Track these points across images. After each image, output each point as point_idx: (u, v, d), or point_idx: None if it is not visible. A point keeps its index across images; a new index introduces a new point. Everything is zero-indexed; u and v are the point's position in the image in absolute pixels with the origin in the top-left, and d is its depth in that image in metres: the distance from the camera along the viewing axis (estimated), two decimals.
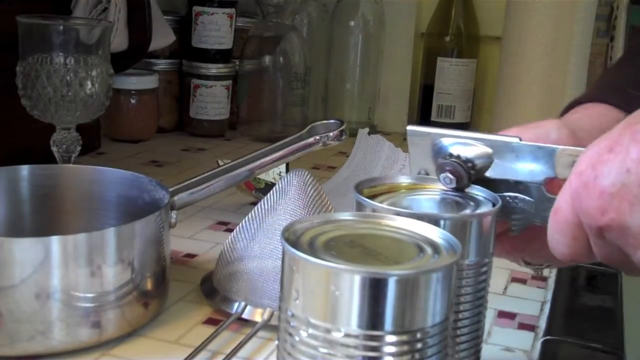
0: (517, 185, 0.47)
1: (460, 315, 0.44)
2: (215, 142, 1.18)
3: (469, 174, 0.46)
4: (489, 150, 0.47)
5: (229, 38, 1.20)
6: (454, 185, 0.46)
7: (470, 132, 0.48)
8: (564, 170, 0.45)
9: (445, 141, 0.48)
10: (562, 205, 0.42)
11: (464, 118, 1.30)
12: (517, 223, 0.48)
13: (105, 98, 0.76)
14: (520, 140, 0.46)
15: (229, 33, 1.20)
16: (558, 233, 0.43)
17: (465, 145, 0.47)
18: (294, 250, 0.35)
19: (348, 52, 1.30)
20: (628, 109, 0.45)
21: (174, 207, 0.60)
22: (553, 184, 0.46)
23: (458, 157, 0.47)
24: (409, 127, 0.50)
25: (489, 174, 0.47)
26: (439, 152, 0.48)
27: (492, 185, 0.47)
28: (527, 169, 0.46)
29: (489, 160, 0.47)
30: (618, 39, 1.26)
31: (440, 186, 0.47)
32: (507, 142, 0.47)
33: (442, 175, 0.46)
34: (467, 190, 0.47)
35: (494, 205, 0.44)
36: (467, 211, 0.44)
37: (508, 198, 0.47)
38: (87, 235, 0.50)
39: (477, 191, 0.46)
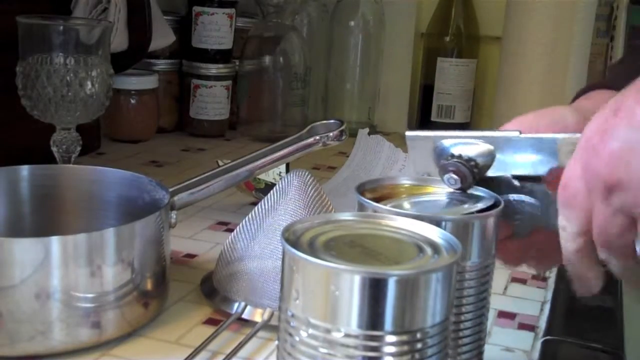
0: (522, 188, 0.47)
1: (463, 317, 0.44)
2: (215, 142, 1.18)
3: (472, 172, 0.46)
4: (491, 147, 0.47)
5: (229, 38, 1.20)
6: (458, 186, 0.46)
7: (470, 131, 0.48)
8: (567, 158, 0.44)
9: (445, 142, 0.48)
10: (571, 179, 0.42)
11: (464, 118, 1.30)
12: (522, 225, 0.48)
13: (105, 98, 0.76)
14: (520, 133, 0.46)
15: (229, 33, 1.20)
16: (567, 208, 0.42)
17: (466, 144, 0.47)
18: (294, 250, 0.35)
19: (348, 52, 1.30)
20: None
21: (174, 208, 0.60)
22: (557, 175, 0.45)
23: (460, 157, 0.47)
24: (408, 133, 0.50)
25: (492, 172, 0.47)
26: (440, 154, 0.48)
27: (498, 187, 0.47)
28: (530, 162, 0.46)
29: (491, 157, 0.47)
30: (618, 39, 1.26)
31: (442, 187, 0.47)
32: (507, 137, 0.46)
33: (445, 176, 0.46)
34: (469, 191, 0.47)
35: (496, 206, 0.44)
36: (470, 212, 0.44)
37: (513, 201, 0.47)
38: (87, 236, 0.50)
39: (479, 192, 0.46)
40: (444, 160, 0.47)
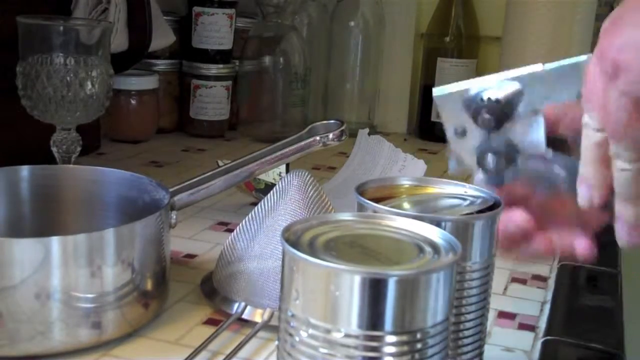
0: (554, 157, 0.48)
1: (463, 317, 0.44)
2: (215, 143, 1.18)
3: (504, 112, 0.47)
4: (518, 85, 0.47)
5: (229, 38, 1.20)
6: (492, 125, 0.47)
7: (494, 74, 0.48)
8: None
9: (472, 91, 0.48)
10: (590, 73, 0.42)
11: None
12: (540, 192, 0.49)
13: (105, 98, 0.76)
14: (544, 65, 0.47)
15: (229, 33, 1.20)
16: (589, 102, 0.43)
17: (492, 88, 0.48)
18: (294, 250, 0.35)
19: (348, 52, 1.30)
20: None
21: (174, 208, 0.60)
22: None
23: (489, 99, 0.47)
24: (436, 93, 0.50)
25: (525, 107, 0.48)
26: (470, 104, 0.49)
27: (527, 158, 0.48)
28: (561, 93, 0.47)
29: (519, 95, 0.48)
30: None
31: (442, 187, 0.48)
32: (532, 72, 0.47)
33: (479, 119, 0.48)
34: (469, 191, 0.47)
35: (496, 206, 0.44)
36: (470, 212, 0.44)
37: (538, 172, 0.48)
38: (87, 236, 0.50)
39: (479, 192, 0.46)
40: (475, 105, 0.48)
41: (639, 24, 0.39)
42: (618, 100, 0.40)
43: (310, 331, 0.34)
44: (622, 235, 0.44)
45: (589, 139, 0.43)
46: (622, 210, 0.43)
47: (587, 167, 0.44)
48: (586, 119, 0.43)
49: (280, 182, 0.61)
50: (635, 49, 0.39)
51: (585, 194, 0.45)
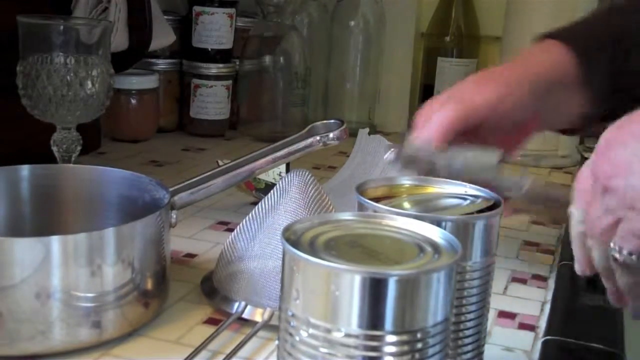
0: None
1: (463, 317, 0.44)
2: (215, 142, 1.18)
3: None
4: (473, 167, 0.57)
5: (229, 38, 1.20)
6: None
7: (453, 151, 0.58)
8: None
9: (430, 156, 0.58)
10: (583, 177, 0.49)
11: None
12: None
13: (106, 98, 0.76)
14: (499, 158, 0.56)
15: (229, 33, 1.20)
16: (578, 199, 0.49)
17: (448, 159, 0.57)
18: (294, 250, 0.35)
19: (348, 52, 1.30)
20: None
21: (174, 207, 0.60)
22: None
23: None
24: (387, 158, 0.60)
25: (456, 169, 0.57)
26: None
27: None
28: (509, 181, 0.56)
29: (457, 166, 0.57)
30: None
31: (442, 187, 0.48)
32: (488, 158, 0.56)
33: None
34: (469, 190, 0.47)
35: (496, 206, 0.44)
36: (470, 212, 0.44)
37: None
38: (87, 235, 0.50)
39: (479, 192, 0.46)
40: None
41: (627, 150, 0.45)
42: (602, 213, 0.46)
43: (311, 331, 0.34)
44: (611, 299, 0.52)
45: (574, 228, 0.50)
46: (605, 283, 0.51)
47: (574, 250, 0.52)
48: (574, 208, 0.50)
49: (280, 182, 0.60)
50: (624, 176, 0.44)
51: (578, 267, 0.52)
